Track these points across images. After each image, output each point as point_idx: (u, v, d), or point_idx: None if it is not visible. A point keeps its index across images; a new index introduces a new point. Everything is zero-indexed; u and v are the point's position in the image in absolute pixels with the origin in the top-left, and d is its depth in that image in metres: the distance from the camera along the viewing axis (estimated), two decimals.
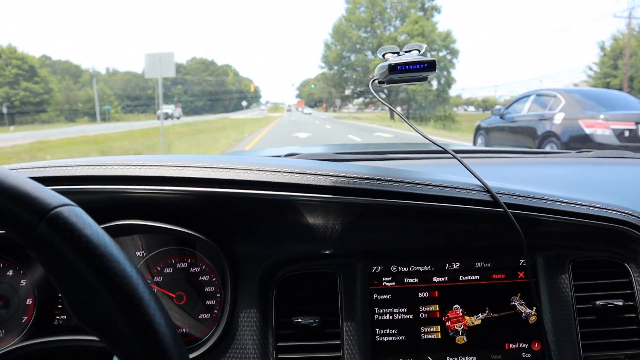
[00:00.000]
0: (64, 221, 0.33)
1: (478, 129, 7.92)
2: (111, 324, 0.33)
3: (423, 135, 0.79)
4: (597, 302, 0.69)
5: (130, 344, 0.33)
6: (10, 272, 0.69)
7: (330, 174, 0.64)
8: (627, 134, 5.11)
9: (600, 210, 0.69)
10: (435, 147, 0.83)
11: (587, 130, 5.33)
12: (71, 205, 0.35)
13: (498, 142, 6.92)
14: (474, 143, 7.90)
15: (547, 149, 5.56)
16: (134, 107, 62.77)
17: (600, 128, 5.26)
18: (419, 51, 0.69)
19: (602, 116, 5.28)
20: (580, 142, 5.30)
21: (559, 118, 5.70)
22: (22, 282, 0.69)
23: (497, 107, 7.68)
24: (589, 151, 1.20)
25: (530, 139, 6.07)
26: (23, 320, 0.68)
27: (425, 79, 0.70)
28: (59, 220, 0.33)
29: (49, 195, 0.35)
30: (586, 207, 0.69)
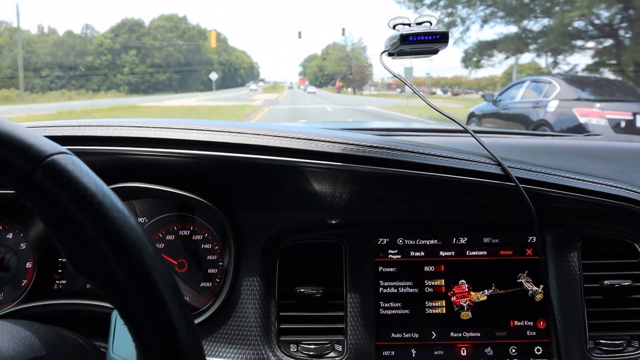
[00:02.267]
0: (60, 168, 0.39)
1: (470, 116, 9.11)
2: (109, 274, 0.39)
3: (438, 110, 0.97)
4: (605, 282, 0.88)
5: (129, 294, 0.38)
6: (10, 235, 0.87)
7: (339, 141, 0.82)
8: (623, 124, 5.95)
9: (611, 188, 0.87)
10: (448, 126, 1.02)
11: (582, 120, 6.09)
12: (67, 153, 0.41)
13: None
14: None
15: None
16: (68, 80, 55.72)
17: (595, 117, 6.03)
18: (431, 23, 0.87)
19: (598, 105, 6.14)
20: (573, 132, 5.91)
21: (552, 105, 6.57)
22: (22, 245, 0.87)
23: (489, 93, 8.76)
24: (598, 135, 1.41)
25: (524, 126, 6.92)
26: (22, 284, 0.86)
27: (436, 51, 0.88)
28: (55, 168, 0.39)
29: (45, 142, 0.41)
30: (598, 185, 0.87)
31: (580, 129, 6.00)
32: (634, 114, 6.04)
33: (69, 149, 0.47)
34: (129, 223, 0.40)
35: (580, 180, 0.87)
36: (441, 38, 0.85)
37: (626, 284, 0.87)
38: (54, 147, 0.41)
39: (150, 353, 0.39)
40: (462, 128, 0.96)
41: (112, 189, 0.80)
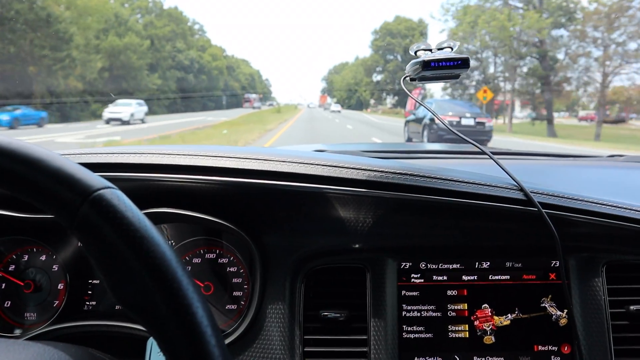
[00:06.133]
0: (106, 203, 0.43)
1: (406, 122, 16.80)
2: (150, 306, 0.41)
3: (458, 135, 0.99)
4: (631, 307, 0.88)
5: (168, 326, 0.41)
6: (43, 257, 0.91)
7: (363, 167, 0.84)
8: (454, 123, 13.80)
9: (636, 213, 0.88)
10: (467, 148, 1.04)
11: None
12: (113, 188, 0.45)
13: (411, 130, 15.38)
14: (404, 132, 16.57)
15: (425, 134, 13.74)
16: None
17: None
18: (452, 49, 0.89)
19: (450, 113, 14.20)
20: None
21: (428, 116, 13.56)
22: (54, 267, 0.91)
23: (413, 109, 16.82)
24: (621, 155, 1.41)
25: (421, 127, 14.07)
26: (54, 305, 0.89)
27: (457, 76, 0.90)
28: (101, 202, 0.42)
29: (92, 177, 0.44)
30: (621, 210, 0.88)
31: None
32: (460, 117, 14.25)
33: (101, 175, 0.50)
34: (169, 257, 0.43)
35: (604, 205, 0.88)
36: (462, 64, 0.87)
37: None
38: (100, 182, 0.44)
39: None
40: (481, 150, 0.98)
41: (143, 214, 0.84)
